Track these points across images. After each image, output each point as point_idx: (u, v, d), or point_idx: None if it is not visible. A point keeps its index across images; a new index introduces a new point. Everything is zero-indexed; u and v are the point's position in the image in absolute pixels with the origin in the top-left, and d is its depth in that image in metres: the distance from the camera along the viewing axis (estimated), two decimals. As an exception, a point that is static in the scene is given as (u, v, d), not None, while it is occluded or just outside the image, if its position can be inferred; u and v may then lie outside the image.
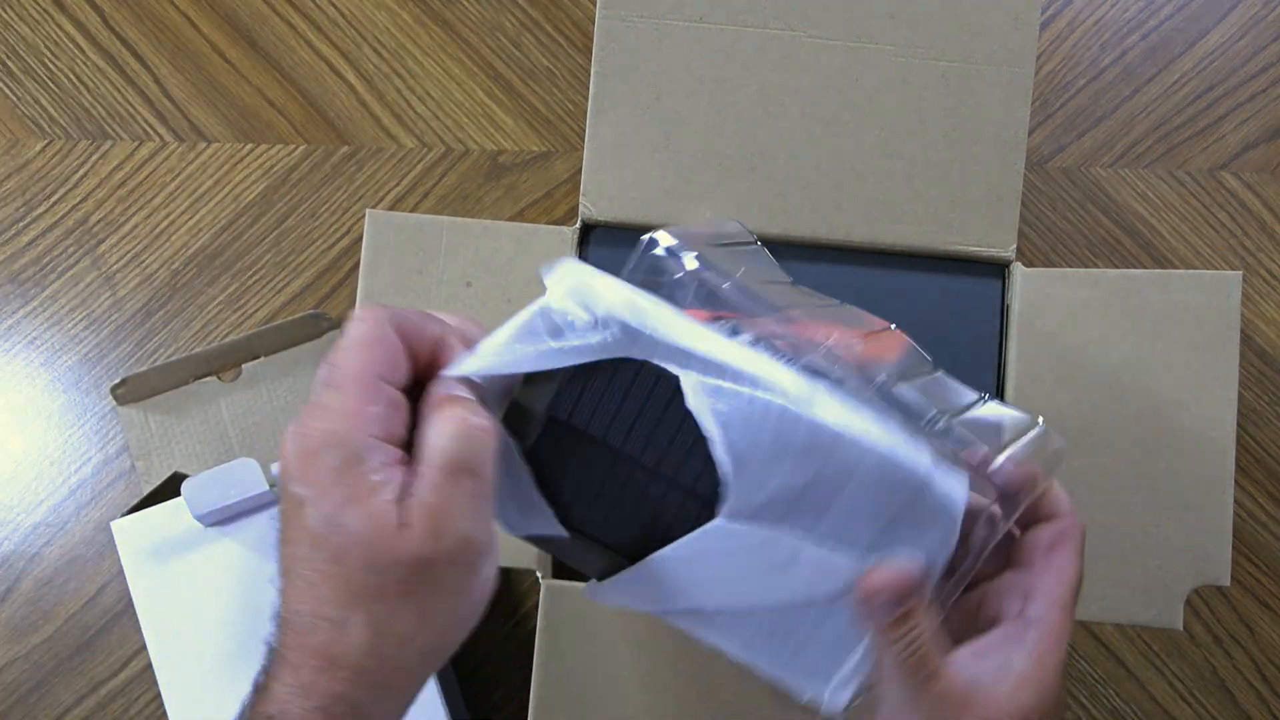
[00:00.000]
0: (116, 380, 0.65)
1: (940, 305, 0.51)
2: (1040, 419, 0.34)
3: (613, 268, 0.53)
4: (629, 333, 0.30)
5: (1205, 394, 0.48)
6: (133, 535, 0.56)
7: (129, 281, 0.69)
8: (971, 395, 0.34)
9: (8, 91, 0.71)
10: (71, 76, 0.71)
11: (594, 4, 0.52)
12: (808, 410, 0.30)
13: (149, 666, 0.56)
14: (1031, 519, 0.34)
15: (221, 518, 0.56)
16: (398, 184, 0.70)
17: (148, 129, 0.70)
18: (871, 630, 0.32)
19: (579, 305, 0.31)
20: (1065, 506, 0.34)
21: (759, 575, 0.31)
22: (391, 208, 0.69)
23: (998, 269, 0.51)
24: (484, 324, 0.33)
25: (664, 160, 0.51)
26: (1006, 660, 0.31)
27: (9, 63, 0.71)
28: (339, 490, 0.29)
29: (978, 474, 0.32)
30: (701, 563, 0.31)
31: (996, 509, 0.32)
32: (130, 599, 0.56)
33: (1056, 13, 0.70)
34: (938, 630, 0.31)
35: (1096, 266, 0.67)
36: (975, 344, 0.51)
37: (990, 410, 0.34)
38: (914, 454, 0.31)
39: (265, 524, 0.56)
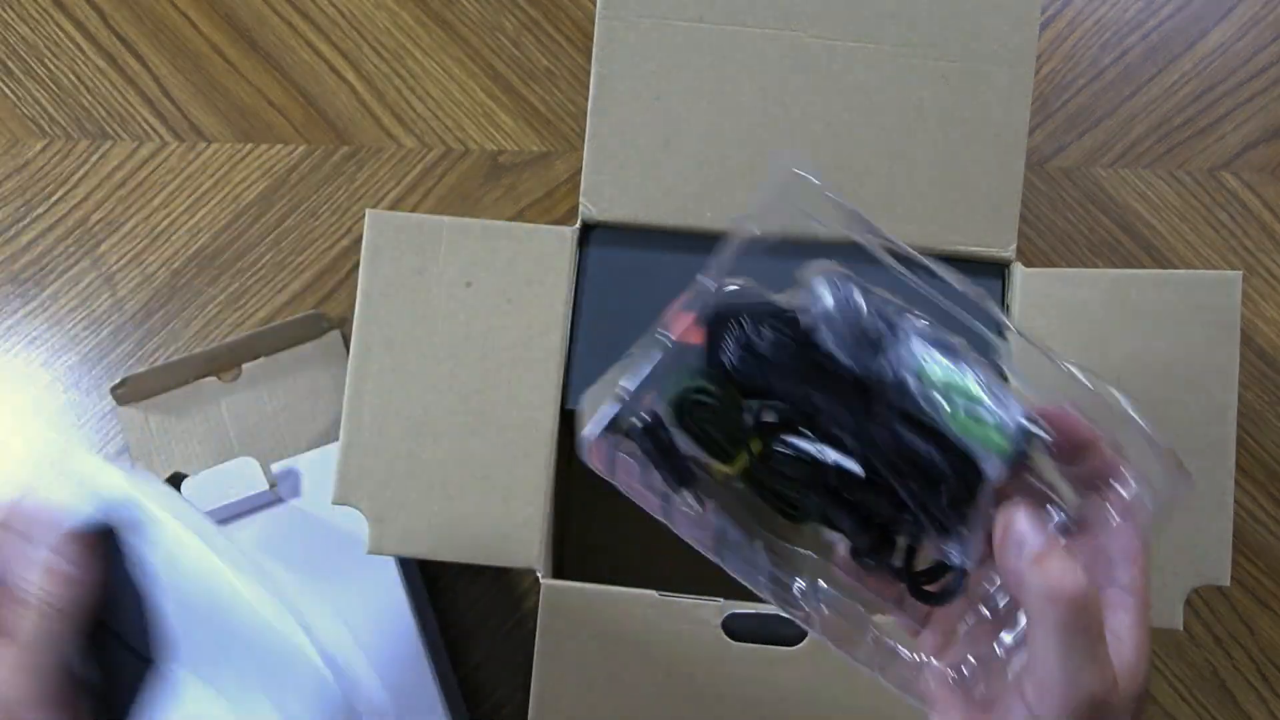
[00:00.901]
0: (116, 380, 0.65)
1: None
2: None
3: (613, 267, 0.53)
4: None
5: (1205, 394, 0.48)
6: (133, 535, 0.56)
7: (129, 282, 0.69)
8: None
9: (8, 91, 0.71)
10: (71, 76, 0.71)
11: (594, 4, 0.52)
12: None
13: (149, 666, 0.56)
14: (1096, 479, 0.34)
15: (222, 517, 0.56)
16: (398, 184, 0.70)
17: (148, 129, 0.70)
18: (1017, 578, 0.31)
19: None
20: (1134, 473, 0.34)
21: None
22: (392, 208, 0.69)
23: (998, 269, 0.51)
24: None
25: (664, 160, 0.51)
26: (1119, 628, 0.32)
27: (9, 63, 0.71)
28: None
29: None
30: None
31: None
32: (130, 599, 0.56)
33: (1056, 13, 0.70)
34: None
35: (1096, 266, 0.67)
36: (975, 344, 0.51)
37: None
38: None
39: (265, 523, 0.57)
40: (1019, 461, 0.32)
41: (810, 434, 0.32)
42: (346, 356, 0.53)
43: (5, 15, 0.72)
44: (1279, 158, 0.69)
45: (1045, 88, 0.70)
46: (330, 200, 0.69)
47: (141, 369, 0.66)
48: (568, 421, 0.50)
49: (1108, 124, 0.69)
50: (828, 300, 0.32)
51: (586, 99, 0.52)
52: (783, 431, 0.32)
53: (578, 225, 0.51)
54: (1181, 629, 0.50)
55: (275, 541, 0.56)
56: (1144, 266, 0.67)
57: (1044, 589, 0.30)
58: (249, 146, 0.70)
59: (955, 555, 0.33)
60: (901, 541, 0.34)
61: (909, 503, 0.32)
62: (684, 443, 0.33)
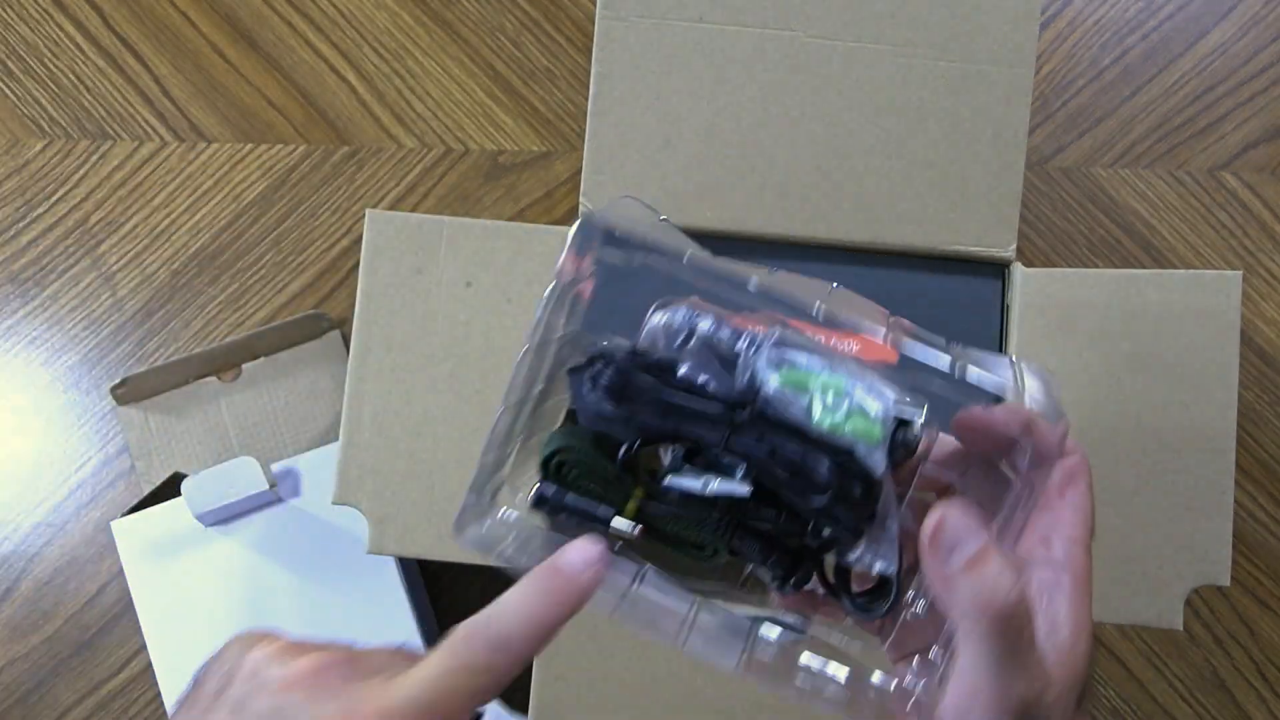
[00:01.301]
0: (116, 380, 0.65)
1: (940, 305, 0.51)
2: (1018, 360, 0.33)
3: (612, 267, 0.52)
4: None
5: (1205, 394, 0.48)
6: (133, 535, 0.56)
7: (129, 282, 0.69)
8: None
9: (8, 91, 0.71)
10: (71, 76, 0.71)
11: (594, 4, 0.52)
12: None
13: (149, 666, 0.56)
14: (1035, 460, 0.32)
15: (222, 517, 0.56)
16: (398, 184, 0.70)
17: (148, 129, 0.70)
18: (946, 584, 0.28)
19: None
20: (1072, 444, 0.32)
21: None
22: (391, 207, 0.69)
23: (998, 269, 0.51)
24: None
25: (664, 160, 0.51)
26: (1054, 610, 0.29)
27: (9, 63, 0.71)
28: None
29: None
30: None
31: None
32: (130, 599, 0.56)
33: (1057, 13, 0.70)
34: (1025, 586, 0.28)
35: (1096, 266, 0.67)
36: (975, 344, 0.51)
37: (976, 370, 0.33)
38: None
39: (265, 523, 0.56)
40: (903, 448, 0.31)
41: (689, 467, 0.31)
42: (346, 356, 0.53)
43: (5, 15, 0.72)
44: (1279, 158, 0.69)
45: (1045, 88, 0.70)
46: (330, 200, 0.69)
47: (141, 369, 0.66)
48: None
49: (1108, 124, 0.69)
50: (671, 330, 0.31)
51: (586, 99, 0.52)
52: (663, 471, 0.31)
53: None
54: (1181, 629, 0.50)
55: (275, 541, 0.56)
56: (1144, 266, 0.67)
57: (975, 599, 0.28)
58: (249, 146, 0.70)
59: (876, 562, 0.31)
60: (830, 560, 0.32)
61: (803, 513, 0.30)
62: (576, 504, 0.32)
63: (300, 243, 0.69)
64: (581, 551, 0.30)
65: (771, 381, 0.31)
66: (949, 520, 0.28)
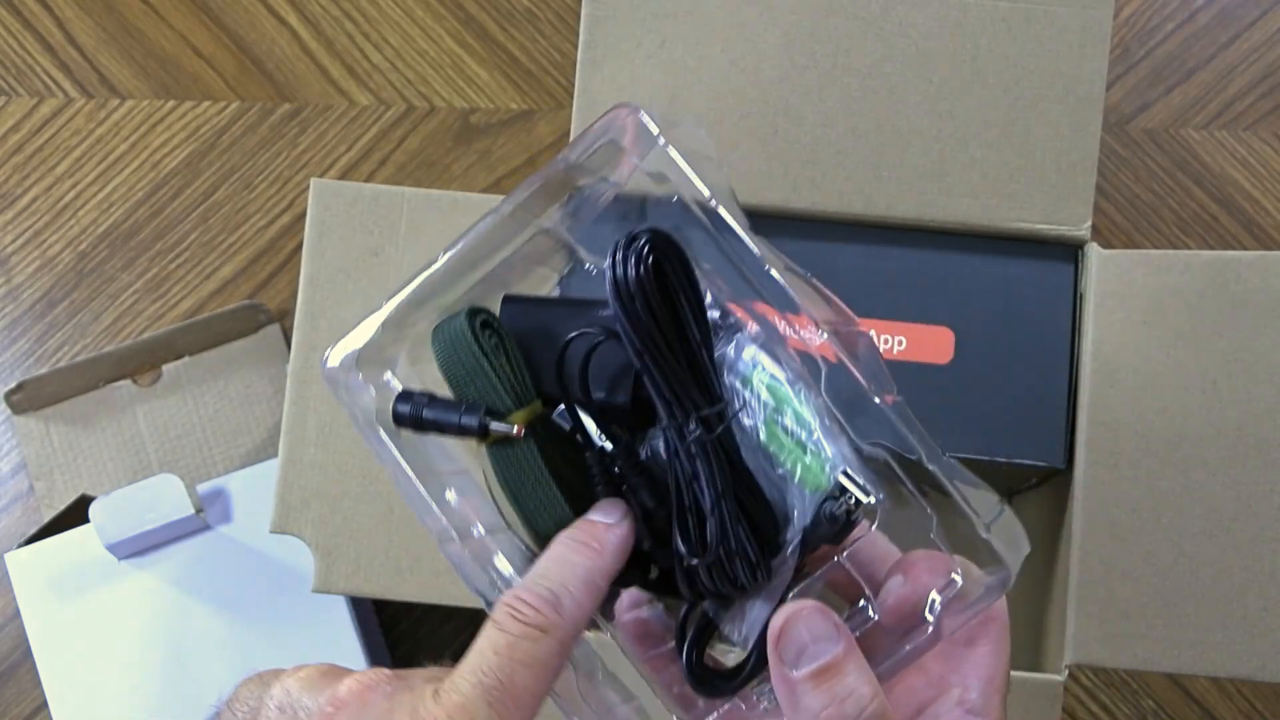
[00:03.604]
0: (12, 385, 0.65)
1: (1001, 295, 0.51)
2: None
3: (606, 248, 0.52)
4: None
5: (1318, 400, 0.48)
6: (31, 569, 0.56)
7: (27, 266, 0.69)
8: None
9: (-118, 37, 0.71)
10: (-42, 19, 0.71)
11: (584, -68, 0.52)
12: None
13: (51, 727, 0.56)
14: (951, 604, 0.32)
15: (138, 547, 0.56)
16: (349, 149, 0.70)
17: (49, 83, 0.70)
18: (789, 691, 0.29)
19: None
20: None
21: None
22: (342, 176, 0.69)
23: (1069, 250, 0.52)
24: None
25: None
26: None
27: (-117, 3, 0.71)
28: None
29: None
30: None
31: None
32: (28, 646, 0.56)
33: (1140, -57, 0.71)
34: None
35: (1188, 247, 0.67)
36: (1042, 341, 0.51)
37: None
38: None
39: (190, 555, 0.57)
40: (828, 521, 0.31)
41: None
42: (287, 355, 0.53)
43: (-121, -54, 0.72)
44: (1407, 117, 0.69)
45: (1126, 32, 0.70)
46: (268, 168, 0.70)
47: (42, 370, 0.66)
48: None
49: (1201, 76, 0.69)
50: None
51: (575, 47, 0.52)
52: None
53: (565, 198, 0.52)
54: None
55: (201, 577, 0.56)
56: (1244, 247, 0.67)
57: (818, 716, 0.28)
58: (170, 104, 0.70)
59: (732, 630, 0.31)
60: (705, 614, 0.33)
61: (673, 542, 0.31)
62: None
63: (232, 219, 0.69)
64: (607, 509, 0.31)
65: (753, 380, 0.32)
66: (800, 620, 0.29)
